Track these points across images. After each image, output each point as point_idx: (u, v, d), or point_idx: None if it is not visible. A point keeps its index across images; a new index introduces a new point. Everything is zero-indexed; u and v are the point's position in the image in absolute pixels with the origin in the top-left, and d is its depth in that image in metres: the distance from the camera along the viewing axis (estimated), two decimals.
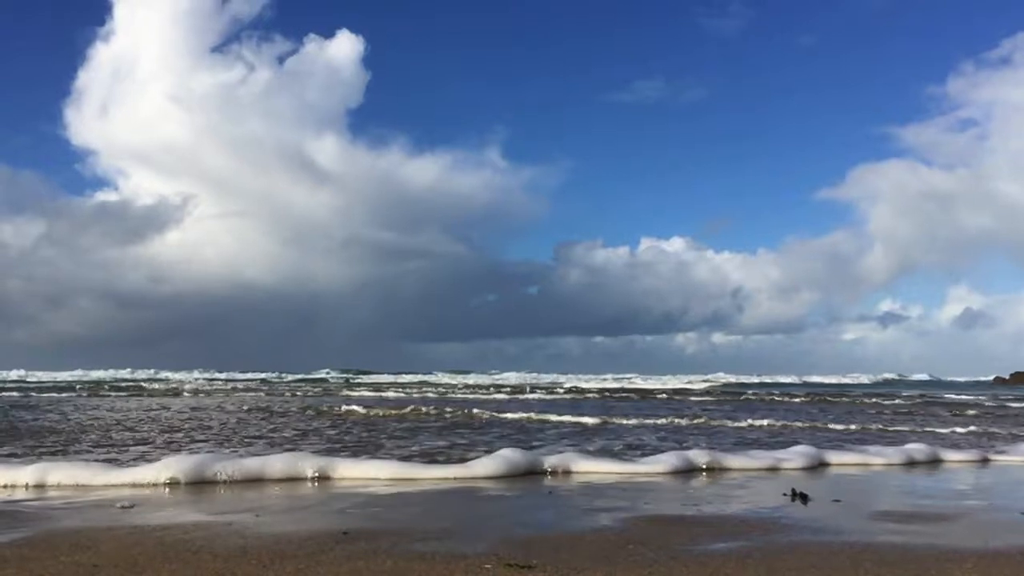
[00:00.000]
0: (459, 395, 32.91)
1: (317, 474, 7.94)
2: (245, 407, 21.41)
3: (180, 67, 70.23)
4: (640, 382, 58.80)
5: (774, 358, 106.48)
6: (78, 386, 38.73)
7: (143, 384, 44.11)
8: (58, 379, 51.52)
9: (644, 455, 9.90)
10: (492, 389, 40.29)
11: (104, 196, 79.48)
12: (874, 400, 30.02)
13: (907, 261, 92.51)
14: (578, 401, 28.48)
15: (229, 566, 4.39)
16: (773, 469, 9.30)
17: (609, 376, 68.85)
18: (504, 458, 8.59)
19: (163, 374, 61.43)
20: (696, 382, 58.83)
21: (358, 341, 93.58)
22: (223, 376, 59.91)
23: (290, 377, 60.20)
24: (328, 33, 77.63)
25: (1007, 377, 73.63)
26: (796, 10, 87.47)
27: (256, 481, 7.67)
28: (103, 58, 70.02)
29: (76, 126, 78.37)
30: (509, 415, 17.88)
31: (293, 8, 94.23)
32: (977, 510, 6.77)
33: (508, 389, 40.63)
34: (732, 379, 67.89)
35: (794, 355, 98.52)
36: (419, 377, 65.16)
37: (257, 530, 5.43)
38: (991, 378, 77.43)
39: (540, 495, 7.29)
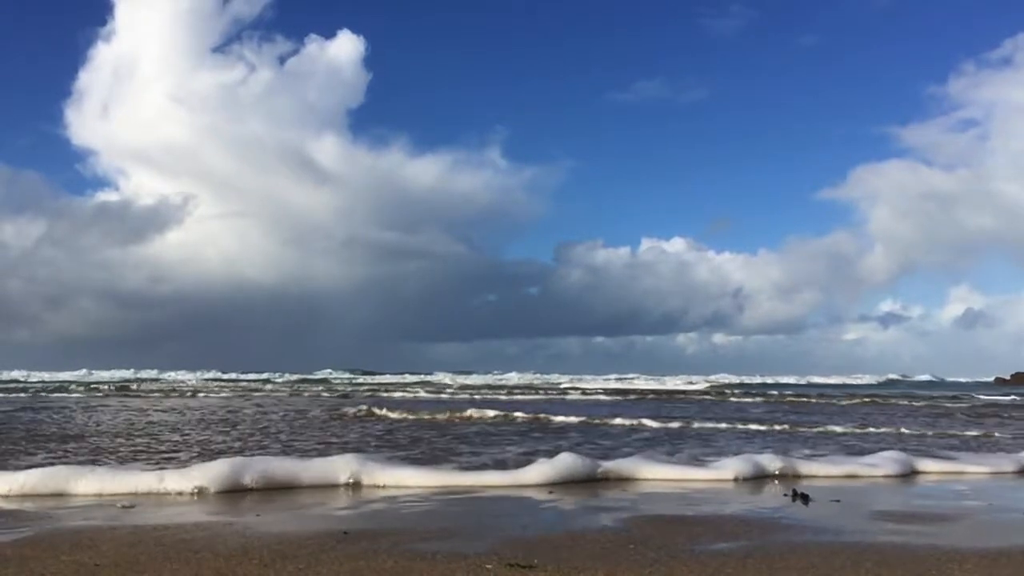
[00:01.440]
0: (501, 396, 31.48)
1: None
2: (281, 411, 20.06)
3: (181, 67, 70.14)
4: (646, 382, 58.41)
5: (775, 358, 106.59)
6: (86, 386, 38.60)
7: (150, 384, 43.81)
8: (65, 379, 51.54)
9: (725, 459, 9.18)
10: (516, 390, 38.90)
11: (105, 196, 79.21)
12: (923, 404, 27.97)
13: (908, 261, 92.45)
14: (638, 402, 27.86)
15: (230, 565, 4.40)
16: (853, 476, 8.75)
17: (612, 376, 68.72)
18: (563, 463, 8.08)
19: (168, 374, 61.30)
20: (699, 382, 58.65)
21: (358, 341, 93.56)
22: (227, 376, 59.86)
23: (293, 377, 60.18)
24: (329, 33, 77.35)
25: (1008, 377, 73.48)
26: (797, 10, 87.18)
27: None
28: (104, 58, 69.84)
29: (77, 126, 78.00)
30: (572, 418, 16.89)
31: (294, 8, 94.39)
32: (979, 511, 6.77)
33: (545, 391, 39.61)
34: (735, 379, 67.75)
35: (794, 355, 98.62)
36: (420, 377, 65.06)
37: (258, 530, 5.44)
38: (992, 378, 77.29)
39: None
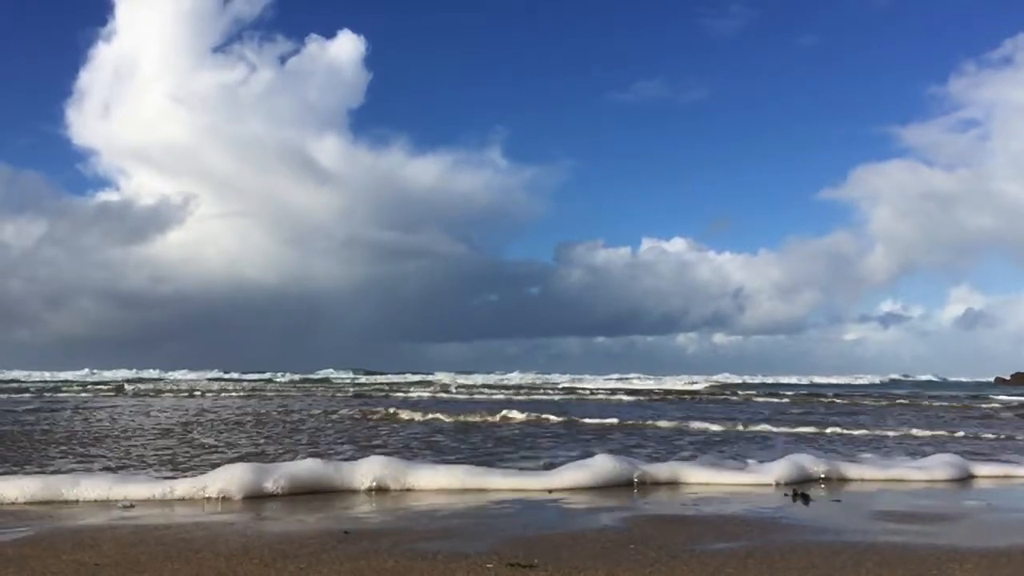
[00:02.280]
0: (518, 397, 30.63)
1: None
2: (301, 411, 19.43)
3: (181, 67, 70.34)
4: (650, 382, 58.37)
5: (775, 359, 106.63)
6: (92, 386, 38.55)
7: (156, 384, 43.70)
8: (68, 378, 51.57)
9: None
10: (522, 390, 38.30)
11: (106, 196, 79.55)
12: (954, 405, 26.99)
13: (908, 261, 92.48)
14: (662, 402, 27.29)
15: (231, 565, 4.40)
16: (902, 480, 8.40)
17: (613, 376, 68.72)
18: (600, 467, 7.71)
19: (171, 374, 61.40)
20: (700, 382, 58.61)
21: (358, 341, 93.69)
22: (228, 376, 59.88)
23: (296, 376, 60.20)
24: (329, 33, 77.78)
25: (1008, 377, 73.35)
26: (797, 10, 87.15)
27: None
28: (105, 58, 70.14)
29: (78, 126, 78.19)
30: (609, 420, 16.17)
31: (294, 8, 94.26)
32: (979, 511, 6.77)
33: (561, 390, 39.26)
34: (737, 379, 67.71)
35: (795, 355, 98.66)
36: (421, 376, 65.02)
37: (259, 529, 5.45)
38: (992, 378, 77.18)
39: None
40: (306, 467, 7.25)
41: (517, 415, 17.16)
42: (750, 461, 9.07)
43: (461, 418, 16.83)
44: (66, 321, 79.28)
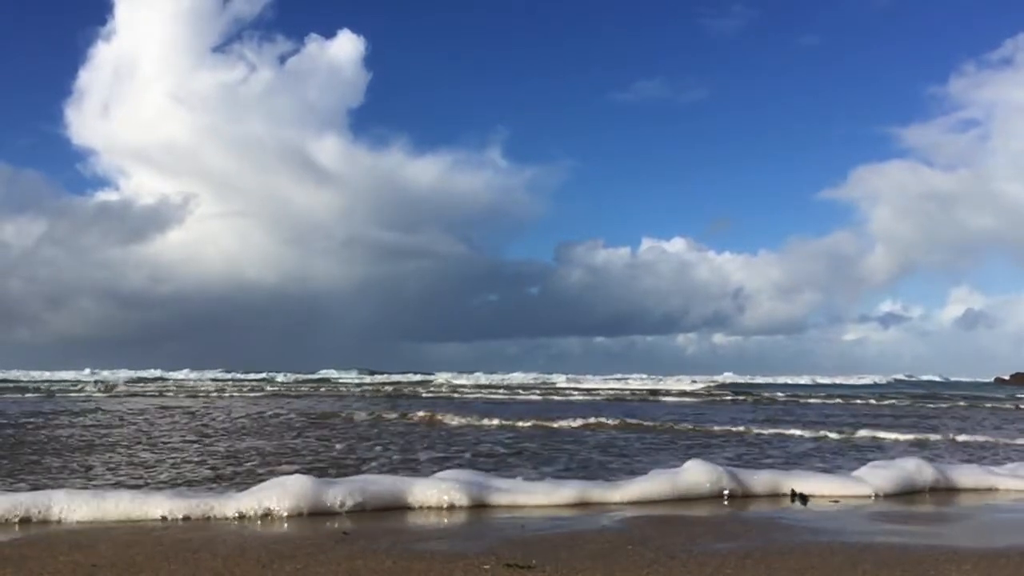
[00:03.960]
0: (555, 398, 29.94)
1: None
2: (331, 415, 17.87)
3: (181, 67, 70.31)
4: (652, 382, 58.14)
5: (775, 359, 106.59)
6: (103, 386, 38.35)
7: (162, 384, 43.30)
8: (70, 378, 51.60)
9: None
10: (536, 391, 37.22)
11: (105, 196, 79.53)
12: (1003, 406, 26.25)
13: (908, 262, 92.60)
14: (717, 403, 26.77)
15: (228, 566, 4.40)
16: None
17: (616, 376, 68.60)
18: (694, 475, 7.12)
19: (173, 374, 61.39)
20: (702, 382, 58.46)
21: (358, 341, 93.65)
22: (232, 376, 59.84)
23: (298, 376, 60.21)
24: (329, 33, 77.66)
25: (1007, 378, 73.19)
26: (797, 10, 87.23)
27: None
28: (104, 57, 70.07)
29: (77, 126, 78.13)
30: (714, 426, 15.16)
31: (294, 8, 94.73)
32: (978, 511, 6.75)
33: (581, 390, 38.40)
34: (740, 380, 67.61)
35: (795, 356, 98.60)
36: (422, 376, 64.90)
37: (256, 530, 5.45)
38: (991, 379, 77.00)
39: None
40: (379, 480, 6.60)
41: (604, 420, 15.79)
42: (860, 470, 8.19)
43: (532, 423, 15.39)
44: (66, 321, 79.39)
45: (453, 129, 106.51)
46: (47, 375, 56.92)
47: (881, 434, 13.92)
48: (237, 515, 5.74)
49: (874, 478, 7.54)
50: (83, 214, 79.38)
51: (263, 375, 60.62)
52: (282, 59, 74.21)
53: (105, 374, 58.55)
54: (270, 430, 14.21)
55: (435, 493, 6.38)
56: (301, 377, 59.87)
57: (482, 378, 62.74)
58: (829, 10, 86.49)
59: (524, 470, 8.71)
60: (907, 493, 7.48)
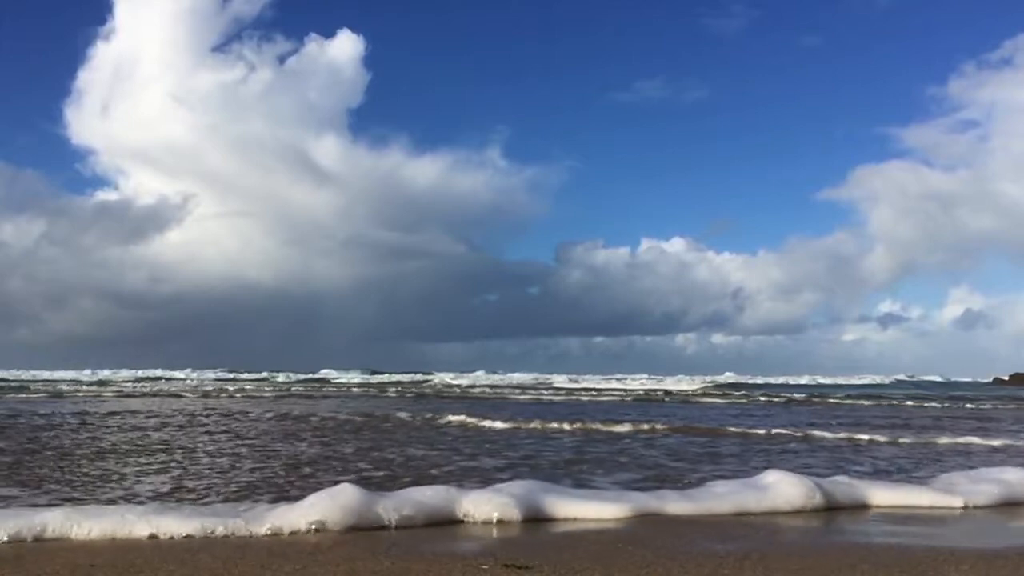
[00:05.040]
0: (583, 397, 29.28)
1: None
2: (357, 417, 16.75)
3: (181, 67, 70.32)
4: (671, 383, 57.67)
5: (774, 359, 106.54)
6: (94, 385, 38.30)
7: (169, 384, 42.66)
8: (73, 378, 51.57)
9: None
10: (592, 392, 36.30)
11: (105, 195, 79.55)
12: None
13: (908, 262, 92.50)
14: (773, 406, 25.81)
15: (227, 567, 4.40)
16: None
17: (617, 377, 68.55)
18: (784, 487, 6.59)
19: (177, 373, 61.33)
20: (700, 382, 58.37)
21: (358, 341, 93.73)
22: (234, 376, 59.81)
23: (298, 377, 60.20)
24: (329, 33, 77.24)
25: (1006, 378, 73.09)
26: (798, 11, 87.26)
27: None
28: (104, 57, 70.04)
29: (77, 125, 78.29)
30: (776, 430, 14.25)
31: (294, 8, 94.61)
32: (977, 512, 6.74)
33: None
34: (743, 380, 67.51)
35: (794, 356, 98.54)
36: (424, 376, 64.84)
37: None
38: (990, 379, 76.91)
39: None
40: (430, 493, 6.02)
41: (656, 424, 14.73)
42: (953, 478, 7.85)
43: (578, 425, 14.41)
44: (65, 321, 79.48)
45: (453, 129, 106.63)
46: (46, 375, 56.89)
47: (970, 439, 12.94)
48: (269, 532, 5.21)
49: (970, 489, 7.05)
50: (83, 214, 79.56)
51: (263, 375, 60.60)
52: (282, 59, 74.30)
53: (105, 374, 58.52)
54: (312, 433, 13.25)
55: (488, 507, 5.85)
56: (302, 377, 59.84)
57: (483, 378, 62.67)
58: (829, 10, 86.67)
59: (595, 479, 8.16)
60: (1007, 505, 6.89)
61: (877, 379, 71.33)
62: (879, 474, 8.73)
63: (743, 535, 5.48)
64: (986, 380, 77.24)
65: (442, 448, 11.13)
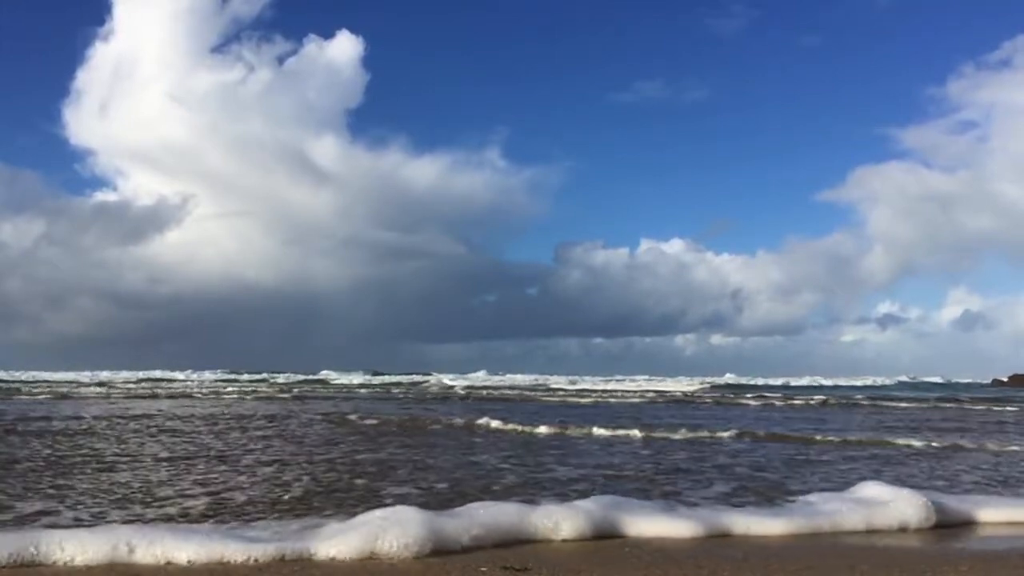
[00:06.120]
0: (611, 400, 28.56)
1: None
2: (386, 423, 15.21)
3: (180, 67, 70.34)
4: (672, 383, 57.40)
5: (773, 360, 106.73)
6: (91, 385, 38.16)
7: (175, 385, 42.84)
8: (74, 379, 51.55)
9: None
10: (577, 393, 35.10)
11: (104, 196, 79.66)
12: None
13: (907, 263, 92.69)
14: (829, 407, 24.91)
15: (225, 568, 4.38)
16: None
17: (617, 378, 68.47)
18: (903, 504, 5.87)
19: (178, 374, 61.24)
20: (699, 383, 58.23)
21: (357, 342, 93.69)
22: (238, 377, 59.73)
23: (298, 378, 60.16)
24: (328, 34, 77.58)
25: (1005, 379, 72.96)
26: (798, 11, 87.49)
27: None
28: (103, 58, 70.13)
29: (75, 126, 78.69)
30: (852, 435, 13.36)
31: (293, 8, 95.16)
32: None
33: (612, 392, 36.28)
34: (743, 381, 67.45)
35: (793, 357, 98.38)
36: (424, 376, 64.71)
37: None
38: (989, 380, 76.81)
39: None
40: (498, 510, 5.40)
41: (719, 432, 13.45)
42: None
43: (643, 433, 13.01)
44: (65, 321, 79.51)
45: (452, 129, 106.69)
46: (47, 375, 56.85)
47: None
48: (330, 559, 4.61)
49: None
50: (81, 214, 79.55)
51: (263, 376, 60.55)
52: (280, 59, 74.39)
53: (105, 375, 58.40)
54: (352, 438, 12.27)
55: (568, 525, 5.25)
56: (301, 377, 59.80)
57: (485, 379, 62.62)
58: (829, 10, 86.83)
59: (688, 493, 7.28)
60: None
61: (879, 380, 71.22)
62: (983, 485, 8.01)
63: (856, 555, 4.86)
64: (985, 381, 77.11)
65: (501, 454, 10.14)
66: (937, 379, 77.41)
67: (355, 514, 5.36)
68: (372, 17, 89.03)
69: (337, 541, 4.73)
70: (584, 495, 6.37)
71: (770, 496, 7.09)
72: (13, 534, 4.61)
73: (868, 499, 6.11)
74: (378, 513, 5.10)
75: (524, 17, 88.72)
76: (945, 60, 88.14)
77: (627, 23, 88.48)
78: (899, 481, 7.75)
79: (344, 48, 72.44)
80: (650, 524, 5.46)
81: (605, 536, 5.23)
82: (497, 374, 69.92)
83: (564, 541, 5.14)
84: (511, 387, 45.42)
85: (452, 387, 44.75)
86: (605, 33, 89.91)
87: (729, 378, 68.15)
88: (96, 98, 70.76)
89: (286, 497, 6.85)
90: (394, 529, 4.79)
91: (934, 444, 12.02)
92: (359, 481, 7.79)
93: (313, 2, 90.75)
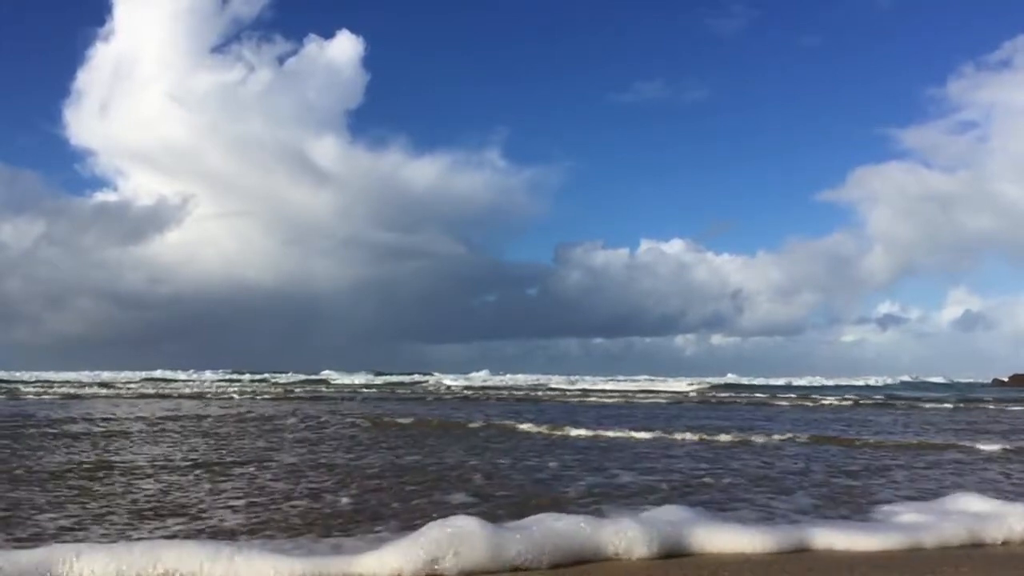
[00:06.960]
0: (640, 399, 28.41)
1: None
2: (419, 427, 14.58)
3: (180, 67, 70.63)
4: (673, 383, 57.10)
5: (773, 360, 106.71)
6: (91, 385, 38.12)
7: (177, 385, 42.31)
8: (74, 379, 51.57)
9: None
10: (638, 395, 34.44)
11: (104, 196, 79.96)
12: None
13: (907, 263, 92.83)
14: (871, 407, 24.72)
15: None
16: None
17: (617, 378, 68.40)
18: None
19: (180, 374, 61.23)
20: (699, 383, 58.08)
21: (358, 342, 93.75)
22: (233, 377, 59.74)
23: (299, 378, 60.17)
24: (328, 34, 78.01)
25: (1006, 379, 72.90)
26: (798, 11, 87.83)
27: None
28: (103, 58, 70.47)
29: (76, 126, 79.18)
30: (920, 438, 13.16)
31: (293, 8, 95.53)
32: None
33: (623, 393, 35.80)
34: (744, 381, 67.37)
35: (793, 357, 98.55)
36: (424, 377, 64.67)
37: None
38: (989, 380, 76.76)
39: None
40: (560, 525, 4.91)
41: (775, 436, 12.96)
42: None
43: (698, 437, 12.60)
44: (65, 321, 79.62)
45: (452, 129, 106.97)
46: (47, 375, 56.83)
47: None
48: None
49: None
50: (82, 215, 79.79)
51: (264, 376, 60.54)
52: (281, 60, 74.66)
53: (106, 375, 58.39)
54: (389, 441, 11.87)
55: (641, 541, 4.82)
56: (303, 377, 59.80)
57: (486, 379, 62.57)
58: (829, 11, 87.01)
59: (766, 504, 6.78)
60: None
61: (880, 381, 71.16)
62: None
63: None
64: (985, 381, 77.07)
65: (561, 459, 9.68)
66: (939, 379, 77.38)
67: (413, 526, 4.99)
68: (372, 17, 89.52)
69: (398, 556, 4.36)
70: (655, 505, 6.07)
71: (858, 505, 6.68)
72: (42, 550, 4.26)
73: (965, 511, 5.84)
74: (436, 526, 4.61)
75: (524, 17, 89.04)
76: (945, 60, 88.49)
77: (627, 23, 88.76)
78: (997, 492, 7.37)
79: (344, 48, 72.71)
80: (736, 539, 5.07)
81: (685, 554, 4.86)
82: (499, 374, 69.92)
83: (639, 560, 4.75)
84: (515, 387, 45.31)
85: (451, 387, 44.72)
86: (605, 33, 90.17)
87: (730, 378, 67.98)
88: (96, 98, 71.08)
89: (335, 507, 6.46)
90: (458, 544, 4.43)
91: (1007, 448, 11.44)
92: (410, 488, 7.44)
93: (313, 2, 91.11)
